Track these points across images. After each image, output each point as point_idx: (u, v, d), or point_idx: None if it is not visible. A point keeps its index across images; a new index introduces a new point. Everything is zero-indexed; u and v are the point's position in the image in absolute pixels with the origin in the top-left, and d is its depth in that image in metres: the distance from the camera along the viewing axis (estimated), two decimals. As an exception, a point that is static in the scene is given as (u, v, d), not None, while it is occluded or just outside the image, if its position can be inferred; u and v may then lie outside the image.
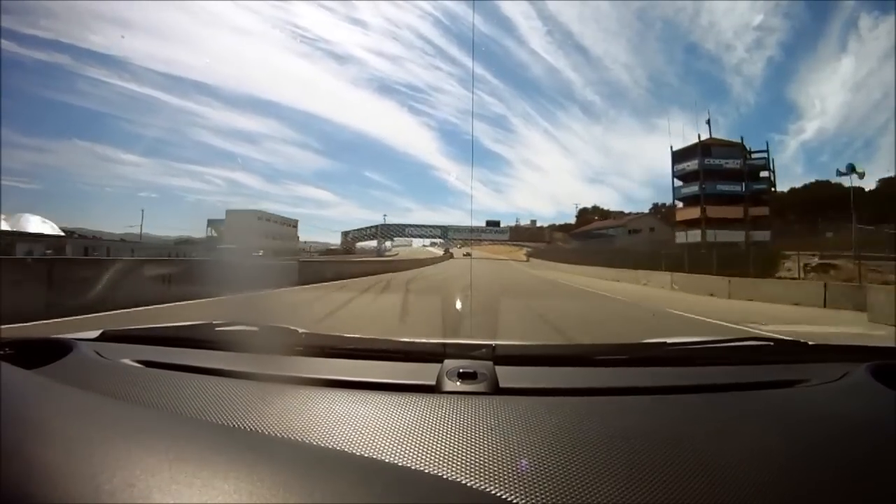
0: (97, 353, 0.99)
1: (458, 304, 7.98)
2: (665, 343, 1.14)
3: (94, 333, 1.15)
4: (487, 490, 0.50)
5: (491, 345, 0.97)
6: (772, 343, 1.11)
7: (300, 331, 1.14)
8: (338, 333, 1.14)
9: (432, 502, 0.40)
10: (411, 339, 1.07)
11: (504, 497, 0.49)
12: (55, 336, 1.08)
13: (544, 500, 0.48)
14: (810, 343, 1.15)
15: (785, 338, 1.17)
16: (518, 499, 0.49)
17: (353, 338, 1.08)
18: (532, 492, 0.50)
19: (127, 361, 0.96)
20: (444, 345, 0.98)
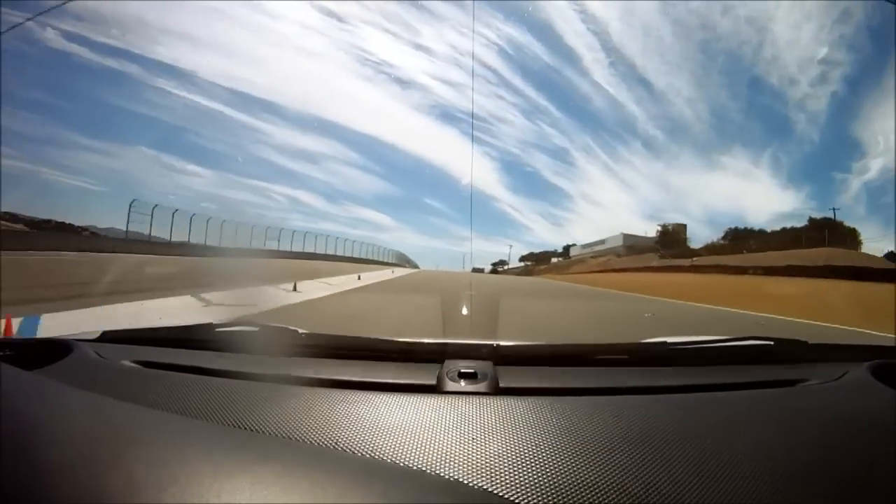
0: (97, 353, 0.99)
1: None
2: (665, 343, 1.14)
3: (94, 334, 1.15)
4: (488, 489, 0.50)
5: (491, 345, 0.97)
6: (772, 343, 1.11)
7: (300, 331, 1.14)
8: (338, 334, 1.14)
9: (433, 502, 0.40)
10: (412, 340, 1.07)
11: (504, 496, 0.49)
12: (55, 337, 1.07)
13: (544, 500, 0.48)
14: (810, 342, 1.15)
15: (785, 337, 1.16)
16: (518, 498, 0.49)
17: (354, 338, 1.08)
18: (532, 491, 0.49)
19: (126, 362, 0.96)
20: (445, 345, 0.98)
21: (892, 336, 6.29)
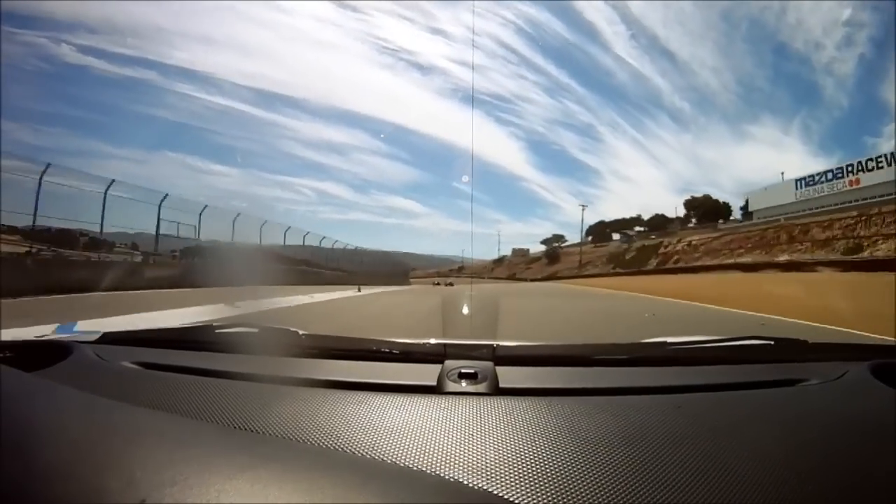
0: (97, 355, 0.99)
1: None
2: (665, 343, 1.14)
3: (94, 335, 1.15)
4: (488, 490, 0.50)
5: (491, 345, 0.97)
6: (772, 342, 1.11)
7: (300, 332, 1.14)
8: (338, 335, 1.14)
9: (433, 502, 0.40)
10: (412, 340, 1.07)
11: (505, 497, 0.49)
12: (55, 338, 1.08)
13: (545, 501, 0.48)
14: (811, 342, 1.15)
15: (785, 337, 1.16)
16: (519, 499, 0.49)
17: (354, 339, 1.09)
18: (533, 492, 0.50)
19: (126, 364, 0.96)
20: (445, 345, 0.98)
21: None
